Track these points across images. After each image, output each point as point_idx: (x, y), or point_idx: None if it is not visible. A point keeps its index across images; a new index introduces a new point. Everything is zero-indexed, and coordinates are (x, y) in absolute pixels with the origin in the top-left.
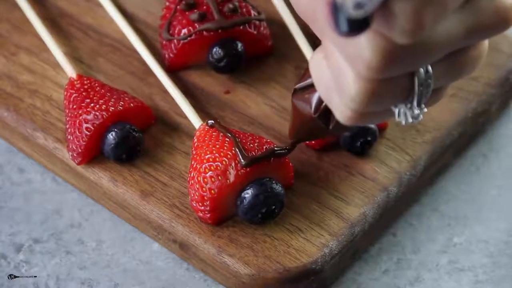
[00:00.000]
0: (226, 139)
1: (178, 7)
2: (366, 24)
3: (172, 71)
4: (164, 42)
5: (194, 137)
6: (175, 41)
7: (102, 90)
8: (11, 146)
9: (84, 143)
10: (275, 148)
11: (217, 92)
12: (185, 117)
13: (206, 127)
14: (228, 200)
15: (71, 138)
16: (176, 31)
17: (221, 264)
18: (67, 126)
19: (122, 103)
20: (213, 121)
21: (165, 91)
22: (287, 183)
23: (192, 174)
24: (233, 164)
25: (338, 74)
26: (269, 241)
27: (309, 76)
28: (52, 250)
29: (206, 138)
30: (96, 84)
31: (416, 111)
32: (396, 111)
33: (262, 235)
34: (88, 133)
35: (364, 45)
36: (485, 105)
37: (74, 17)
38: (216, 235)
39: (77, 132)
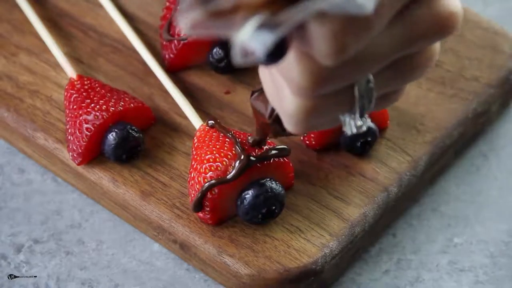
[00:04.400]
0: (226, 139)
1: (178, 7)
2: (281, 53)
3: (172, 71)
4: (164, 42)
5: (194, 138)
6: (175, 41)
7: (103, 91)
8: (12, 147)
9: (84, 143)
10: (276, 148)
11: (217, 93)
12: (185, 118)
13: (206, 127)
14: (228, 201)
15: (72, 139)
16: (176, 32)
17: (221, 264)
18: (68, 126)
19: (123, 103)
20: (213, 122)
21: (165, 92)
22: (287, 184)
23: (192, 174)
24: (233, 165)
25: (278, 88)
26: (270, 241)
27: None
28: (52, 250)
29: (206, 139)
30: (97, 85)
31: (359, 122)
32: (342, 119)
33: (263, 235)
34: (89, 134)
35: (293, 66)
36: (485, 105)
37: (74, 18)
38: (216, 235)
39: (77, 132)
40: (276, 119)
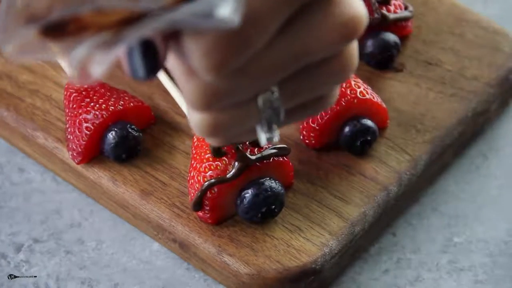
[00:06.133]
0: None
1: None
2: (157, 66)
3: None
4: None
5: (194, 137)
6: None
7: (102, 90)
8: (11, 146)
9: (84, 142)
10: (275, 148)
11: None
12: (185, 117)
13: None
14: (228, 200)
15: (71, 138)
16: None
17: (221, 264)
18: (67, 125)
19: (122, 102)
20: None
21: (165, 91)
22: (287, 183)
23: (192, 173)
24: (233, 164)
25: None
26: (269, 240)
27: None
28: (52, 250)
29: None
30: (96, 84)
31: (268, 135)
32: (257, 131)
33: (262, 234)
34: (88, 133)
35: (183, 82)
36: (485, 104)
37: None
38: (216, 234)
39: (77, 131)
40: None
